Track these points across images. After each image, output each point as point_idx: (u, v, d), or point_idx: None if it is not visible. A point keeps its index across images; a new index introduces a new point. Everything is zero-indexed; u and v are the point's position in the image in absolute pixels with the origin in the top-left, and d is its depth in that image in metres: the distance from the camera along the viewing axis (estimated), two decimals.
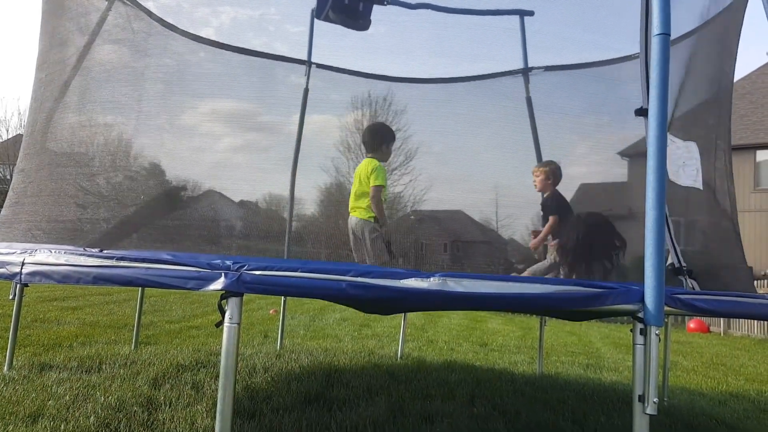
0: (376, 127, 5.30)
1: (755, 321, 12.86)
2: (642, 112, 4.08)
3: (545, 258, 4.91)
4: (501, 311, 14.17)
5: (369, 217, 4.87)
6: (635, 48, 4.32)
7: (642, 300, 2.32)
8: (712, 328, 14.03)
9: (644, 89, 4.09)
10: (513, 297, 2.43)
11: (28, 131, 4.75)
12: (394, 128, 6.78)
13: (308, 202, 6.85)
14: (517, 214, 5.88)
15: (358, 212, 4.91)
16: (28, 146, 4.58)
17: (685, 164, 3.70)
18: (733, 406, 5.26)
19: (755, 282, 13.41)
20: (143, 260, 2.52)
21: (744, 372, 7.60)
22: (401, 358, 6.54)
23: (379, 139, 5.06)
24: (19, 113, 37.89)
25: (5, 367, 4.49)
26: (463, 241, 7.51)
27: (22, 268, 2.91)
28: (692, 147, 3.86)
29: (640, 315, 2.32)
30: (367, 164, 4.94)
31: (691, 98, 4.46)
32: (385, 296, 2.38)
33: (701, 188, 3.81)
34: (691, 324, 13.94)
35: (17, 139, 30.97)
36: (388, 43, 6.00)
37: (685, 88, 4.27)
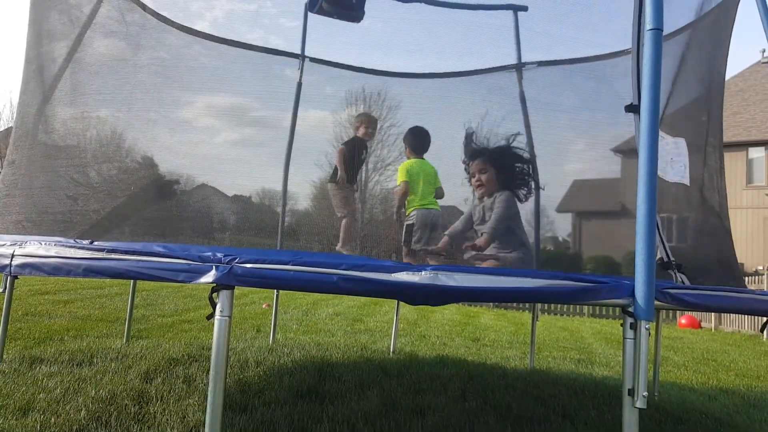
0: (425, 131, 5.52)
1: (746, 317, 12.94)
2: (632, 108, 4.10)
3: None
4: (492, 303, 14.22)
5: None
6: (629, 44, 4.33)
7: (632, 294, 2.33)
8: (703, 324, 14.11)
9: (635, 85, 4.10)
10: (504, 291, 2.44)
11: (18, 123, 4.72)
12: (387, 124, 6.80)
13: (301, 197, 6.83)
14: None
15: (436, 205, 5.28)
16: (18, 138, 4.55)
17: (673, 160, 3.71)
18: (723, 401, 5.29)
19: (747, 278, 13.48)
20: (134, 252, 2.52)
21: (734, 367, 7.65)
22: (394, 352, 6.55)
23: (428, 144, 5.42)
24: (11, 105, 37.64)
25: None
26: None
27: (11, 260, 2.89)
28: (680, 143, 3.88)
29: (631, 309, 2.33)
30: (430, 166, 5.34)
31: (683, 95, 4.47)
32: (376, 289, 2.39)
33: (688, 184, 3.83)
34: (683, 320, 14.01)
35: (9, 131, 30.78)
36: (381, 38, 5.99)
37: (677, 85, 4.28)
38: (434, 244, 5.12)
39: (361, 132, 5.62)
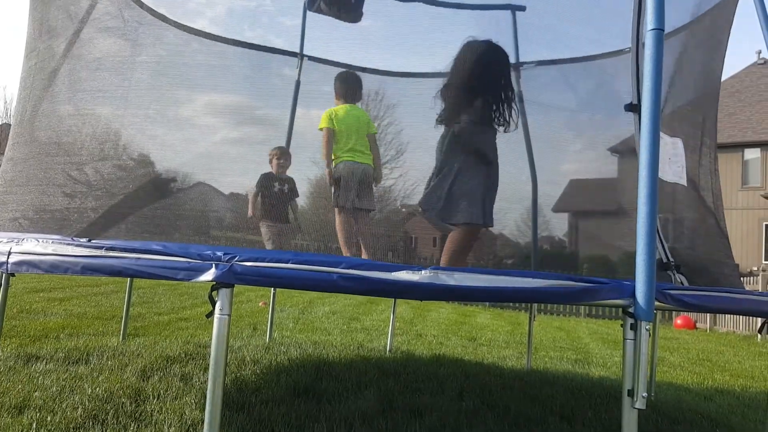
0: (354, 75, 5.32)
1: (740, 317, 13.00)
2: (632, 107, 4.10)
3: None
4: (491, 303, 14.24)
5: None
6: (627, 43, 4.34)
7: (633, 295, 2.33)
8: (698, 325, 14.16)
9: (634, 85, 4.10)
10: (503, 290, 2.43)
11: (16, 120, 4.69)
12: (385, 122, 6.78)
13: (299, 194, 6.82)
14: (507, 208, 5.88)
15: (366, 158, 4.90)
16: (16, 135, 4.53)
17: (671, 160, 3.72)
18: (718, 401, 5.31)
19: (742, 279, 13.53)
20: (133, 250, 2.50)
21: (729, 368, 7.67)
22: (390, 351, 6.55)
23: (359, 90, 5.19)
24: (6, 102, 37.53)
25: None
26: None
27: (8, 258, 2.87)
28: (678, 143, 3.88)
29: (631, 310, 2.33)
30: (360, 111, 5.06)
31: (681, 95, 4.48)
32: (376, 288, 2.38)
33: (686, 184, 3.84)
34: (679, 320, 14.06)
35: (4, 127, 30.68)
36: (380, 37, 5.98)
37: (674, 85, 4.29)
38: (365, 202, 4.80)
39: (273, 165, 5.47)
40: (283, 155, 5.53)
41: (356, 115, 4.96)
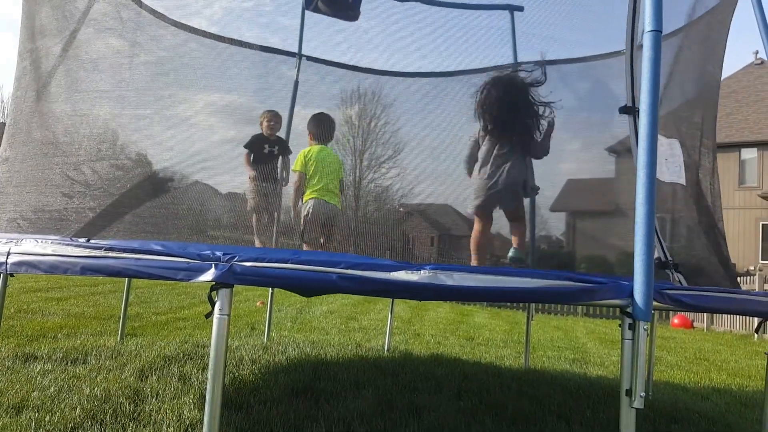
0: (328, 117, 5.40)
1: (737, 316, 13.02)
2: (626, 109, 4.11)
3: None
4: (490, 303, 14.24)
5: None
6: (623, 45, 4.35)
7: (631, 295, 2.33)
8: (695, 324, 14.18)
9: (628, 87, 4.11)
10: (502, 290, 2.44)
11: (12, 120, 4.68)
12: (382, 122, 6.79)
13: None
14: None
15: (335, 200, 5.07)
16: (12, 135, 4.52)
17: (668, 161, 3.73)
18: (715, 400, 5.32)
19: (738, 278, 13.55)
20: (132, 251, 2.50)
21: (726, 367, 7.69)
22: (388, 351, 6.56)
23: (331, 131, 5.33)
24: (2, 101, 37.40)
25: None
26: (450, 235, 7.53)
27: (7, 258, 2.87)
28: (674, 144, 3.89)
29: (629, 310, 2.34)
30: (333, 155, 5.22)
31: (676, 96, 4.49)
32: (375, 288, 2.39)
33: (684, 184, 3.85)
34: (676, 320, 14.07)
35: (1, 127, 30.57)
36: (378, 37, 5.98)
37: (669, 87, 4.30)
38: (329, 241, 4.95)
39: (263, 127, 5.56)
40: (273, 117, 5.60)
41: (329, 159, 5.14)
